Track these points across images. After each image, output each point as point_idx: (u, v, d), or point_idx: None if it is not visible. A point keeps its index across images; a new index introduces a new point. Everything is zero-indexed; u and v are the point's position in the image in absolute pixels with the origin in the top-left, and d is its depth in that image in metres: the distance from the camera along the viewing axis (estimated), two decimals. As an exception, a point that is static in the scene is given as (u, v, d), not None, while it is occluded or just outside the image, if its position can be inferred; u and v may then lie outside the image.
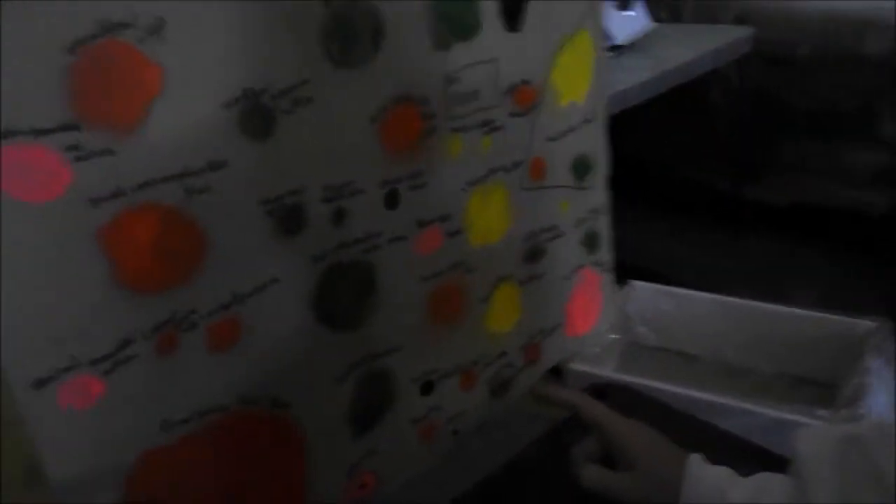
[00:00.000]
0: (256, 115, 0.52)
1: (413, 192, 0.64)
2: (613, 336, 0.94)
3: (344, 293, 0.61)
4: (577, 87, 0.79)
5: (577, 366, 0.85)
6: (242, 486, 0.57)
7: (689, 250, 2.02)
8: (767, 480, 0.54)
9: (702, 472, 0.53)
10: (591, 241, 0.87)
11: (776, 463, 0.62)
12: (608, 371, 0.87)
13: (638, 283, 1.02)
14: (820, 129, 1.97)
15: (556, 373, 0.90)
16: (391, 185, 0.63)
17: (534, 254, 0.79)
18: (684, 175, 2.17)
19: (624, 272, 0.95)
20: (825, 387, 0.91)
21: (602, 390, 0.74)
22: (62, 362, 0.45)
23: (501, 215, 0.74)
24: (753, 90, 2.00)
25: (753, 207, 2.04)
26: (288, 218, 0.55)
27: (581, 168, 0.83)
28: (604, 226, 0.88)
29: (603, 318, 0.91)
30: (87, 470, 0.47)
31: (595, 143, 0.84)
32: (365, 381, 0.64)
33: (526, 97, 0.73)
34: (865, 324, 0.92)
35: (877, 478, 0.46)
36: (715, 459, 0.58)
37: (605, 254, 0.90)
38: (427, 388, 0.71)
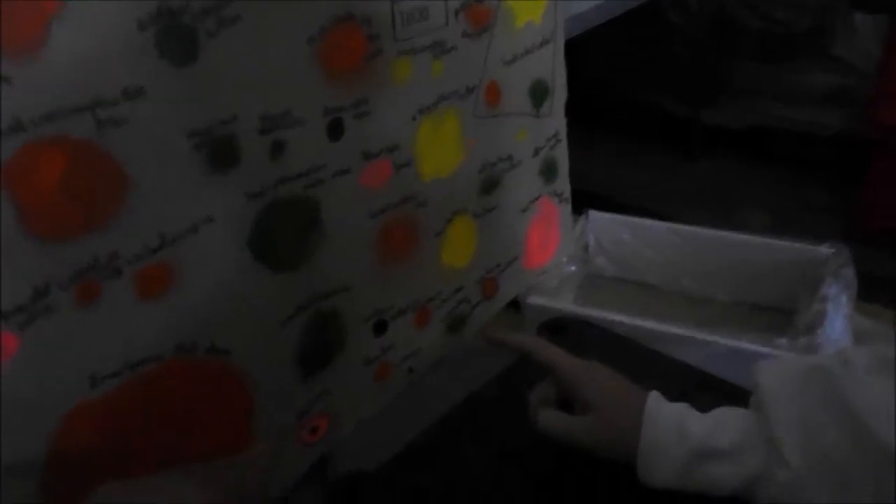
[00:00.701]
0: (176, 37, 0.46)
1: (358, 122, 0.60)
2: (572, 268, 0.92)
3: (285, 231, 0.57)
4: (533, 6, 0.74)
5: (535, 299, 0.83)
6: (184, 438, 0.54)
7: (644, 175, 2.01)
8: (726, 414, 0.53)
9: (660, 410, 0.52)
10: (548, 171, 0.83)
11: (736, 395, 0.61)
12: (566, 304, 0.85)
13: (596, 213, 1.00)
14: (774, 51, 1.95)
15: (514, 306, 0.88)
16: (333, 114, 0.58)
17: (489, 185, 0.76)
18: (640, 99, 2.14)
19: (579, 199, 0.92)
20: (783, 313, 0.91)
21: (560, 325, 0.72)
22: (-32, 316, 0.40)
23: (454, 145, 0.70)
24: (711, 12, 1.96)
25: (709, 131, 2.03)
26: (219, 151, 0.51)
27: (539, 93, 0.78)
28: (562, 154, 0.85)
29: (561, 250, 0.89)
30: (7, 429, 0.43)
31: (553, 67, 0.79)
32: (312, 322, 0.61)
33: (479, 16, 0.68)
34: (823, 250, 0.91)
35: (839, 408, 0.46)
36: (674, 393, 0.57)
37: (563, 183, 0.87)
38: (380, 327, 0.68)
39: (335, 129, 0.58)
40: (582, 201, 0.95)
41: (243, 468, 0.50)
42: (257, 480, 0.49)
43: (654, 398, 0.53)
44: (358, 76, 0.59)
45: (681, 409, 0.53)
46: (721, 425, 0.51)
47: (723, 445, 0.49)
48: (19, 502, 0.44)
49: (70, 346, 0.45)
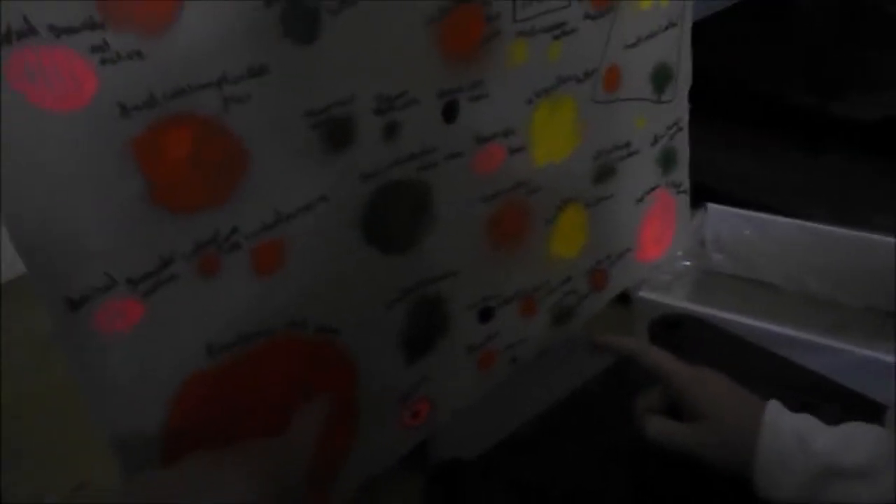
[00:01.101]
0: (301, 15, 0.46)
1: (473, 104, 0.59)
2: (686, 263, 0.88)
3: (396, 214, 0.57)
4: (661, -15, 0.71)
5: (647, 294, 0.80)
6: (292, 410, 0.55)
7: (765, 169, 1.90)
8: (857, 430, 0.48)
9: (781, 421, 0.48)
10: (667, 160, 0.80)
11: (864, 407, 0.57)
12: (679, 300, 0.81)
13: (714, 207, 0.95)
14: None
15: (624, 300, 0.85)
16: (449, 95, 0.57)
17: (604, 173, 0.73)
18: (766, 89, 2.02)
19: (697, 193, 0.87)
20: (920, 323, 0.84)
21: (673, 322, 0.69)
22: (98, 282, 0.42)
23: (570, 131, 0.68)
24: (844, -2, 1.83)
25: (837, 123, 1.90)
26: (336, 131, 0.51)
27: (661, 78, 0.75)
28: (682, 143, 0.81)
29: (676, 244, 0.85)
30: (128, 396, 0.45)
31: (678, 51, 0.76)
32: (418, 306, 0.61)
33: (602, -3, 0.66)
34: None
35: None
36: (796, 403, 0.53)
37: (682, 174, 0.83)
38: (485, 314, 0.67)
39: (450, 112, 0.57)
40: (699, 194, 0.91)
41: (283, 452, 0.47)
42: (297, 466, 0.46)
43: (774, 407, 0.49)
44: (475, 58, 0.58)
45: (804, 421, 0.49)
46: (850, 441, 0.47)
47: (854, 465, 0.45)
48: (144, 456, 0.46)
49: (190, 315, 0.47)
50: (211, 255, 0.47)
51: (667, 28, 0.73)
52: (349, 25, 0.49)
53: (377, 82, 0.52)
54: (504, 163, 0.63)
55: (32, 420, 0.88)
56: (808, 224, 0.90)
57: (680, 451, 0.49)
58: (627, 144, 0.74)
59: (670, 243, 0.84)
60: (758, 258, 0.93)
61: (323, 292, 0.54)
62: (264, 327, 0.51)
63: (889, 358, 0.68)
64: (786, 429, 0.48)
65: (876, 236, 0.88)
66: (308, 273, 0.52)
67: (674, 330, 0.69)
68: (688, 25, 0.76)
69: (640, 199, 0.78)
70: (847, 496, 0.45)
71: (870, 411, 0.50)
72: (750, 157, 1.95)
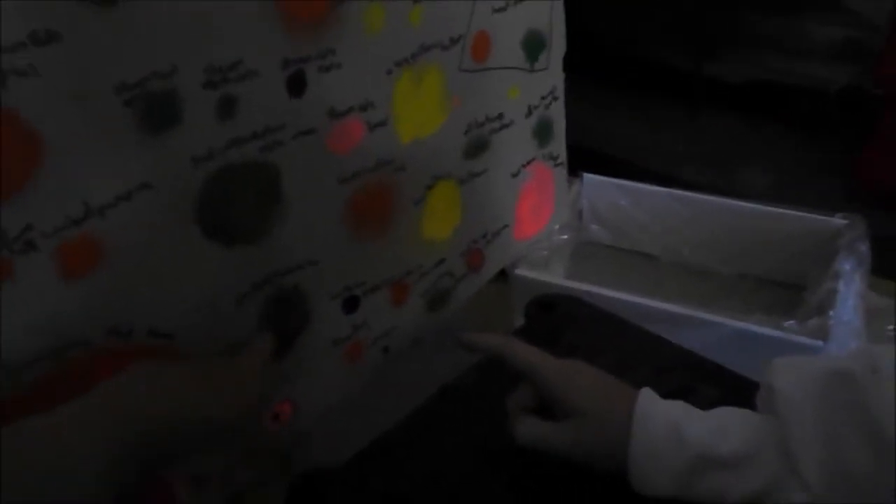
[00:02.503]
0: (97, -31, 0.39)
1: (324, 75, 0.52)
2: (564, 237, 0.85)
3: (238, 201, 0.50)
4: (528, -56, 0.66)
5: (524, 271, 0.77)
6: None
7: (642, 130, 1.93)
8: (731, 416, 0.47)
9: (653, 412, 0.46)
10: (542, 132, 0.76)
11: (740, 387, 0.55)
12: (557, 277, 0.79)
13: (591, 177, 0.93)
14: (782, 1, 1.86)
15: (503, 276, 0.82)
16: (295, 65, 0.50)
17: (476, 147, 0.69)
18: (639, 51, 2.05)
19: (571, 155, 0.84)
20: (792, 288, 0.85)
21: (549, 302, 0.66)
22: None
23: (437, 102, 0.63)
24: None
25: (711, 85, 1.95)
26: (155, 108, 0.43)
27: (533, 46, 0.71)
28: (558, 113, 0.78)
29: (555, 218, 0.82)
30: None
31: (550, 16, 0.72)
32: (272, 301, 0.55)
33: (467, -44, 0.61)
34: (835, 220, 0.85)
35: (866, 422, 0.40)
36: (671, 384, 0.51)
37: (559, 145, 0.80)
38: (351, 303, 0.62)
39: (296, 84, 0.51)
40: (575, 158, 0.87)
41: (241, 371, 0.46)
42: (254, 387, 0.46)
43: (646, 397, 0.47)
44: (323, 23, 0.51)
45: (677, 410, 0.47)
46: (725, 429, 0.45)
47: (727, 454, 0.43)
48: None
49: (-23, 333, 0.39)
50: (1, 258, 0.39)
51: (537, -9, 0.68)
52: (162, -17, 0.41)
53: (205, 51, 0.45)
54: (363, 139, 0.57)
55: None
56: (683, 193, 0.90)
57: (554, 452, 0.46)
58: (500, 116, 0.70)
59: (548, 218, 0.81)
60: (634, 228, 0.92)
61: (150, 293, 0.47)
62: (78, 338, 0.44)
63: (762, 330, 0.68)
64: (658, 419, 0.45)
65: (748, 204, 0.88)
66: (130, 272, 0.45)
67: (550, 311, 0.66)
68: (560, -11, 0.72)
69: (516, 174, 0.75)
70: (724, 487, 0.44)
71: (746, 391, 0.48)
72: (625, 119, 1.98)
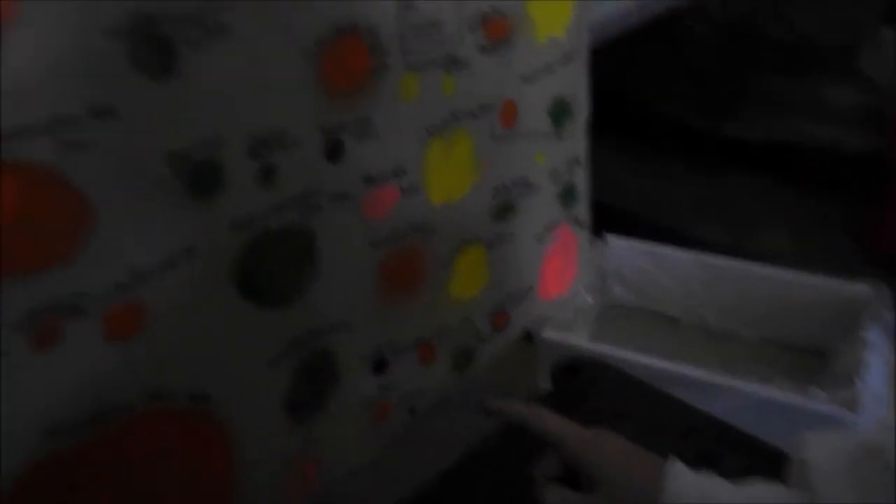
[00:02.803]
0: (153, 48, 0.41)
1: (360, 143, 0.54)
2: (588, 299, 0.86)
3: (275, 265, 0.51)
4: (557, 18, 0.69)
5: (549, 333, 0.78)
6: (160, 491, 0.48)
7: (659, 188, 1.94)
8: (763, 491, 0.46)
9: (682, 483, 0.46)
10: (567, 196, 0.78)
11: (767, 456, 0.55)
12: (582, 340, 0.79)
13: (615, 240, 0.94)
14: (799, 65, 1.89)
15: (528, 339, 0.82)
16: (333, 134, 0.52)
17: (504, 211, 0.70)
18: (659, 110, 2.08)
19: (596, 212, 0.85)
20: (815, 354, 0.85)
21: (574, 367, 0.66)
22: None
23: (467, 168, 0.65)
24: (734, 22, 1.91)
25: (729, 145, 1.97)
26: (200, 176, 0.45)
27: (559, 113, 0.73)
28: (581, 178, 0.79)
29: (578, 280, 0.83)
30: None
31: (575, 85, 0.74)
32: (304, 363, 0.56)
33: (498, 30, 0.63)
34: (859, 287, 0.85)
35: None
36: (696, 451, 0.51)
37: (582, 209, 0.81)
38: (380, 365, 0.63)
39: (334, 151, 0.53)
40: (595, 214, 0.88)
41: None
42: None
43: (674, 469, 0.47)
44: (361, 93, 0.53)
45: (708, 482, 0.47)
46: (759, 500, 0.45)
47: None
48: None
49: (24, 396, 0.40)
50: (50, 323, 0.40)
51: (564, 62, 0.70)
52: (212, 58, 0.43)
53: (249, 121, 0.47)
54: (396, 204, 0.59)
55: None
56: (706, 257, 0.90)
57: None
58: (527, 181, 0.71)
59: (572, 280, 0.82)
60: (657, 291, 0.92)
61: (191, 357, 0.48)
62: (122, 401, 0.45)
63: (789, 399, 0.68)
64: (687, 491, 0.45)
65: (771, 269, 0.89)
66: (173, 336, 0.46)
67: (575, 375, 0.66)
68: (584, 59, 0.74)
69: (542, 236, 0.76)
70: None
71: (774, 460, 0.48)
72: (643, 176, 2.00)
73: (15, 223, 0.37)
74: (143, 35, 0.40)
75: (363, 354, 0.61)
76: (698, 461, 0.48)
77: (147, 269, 0.44)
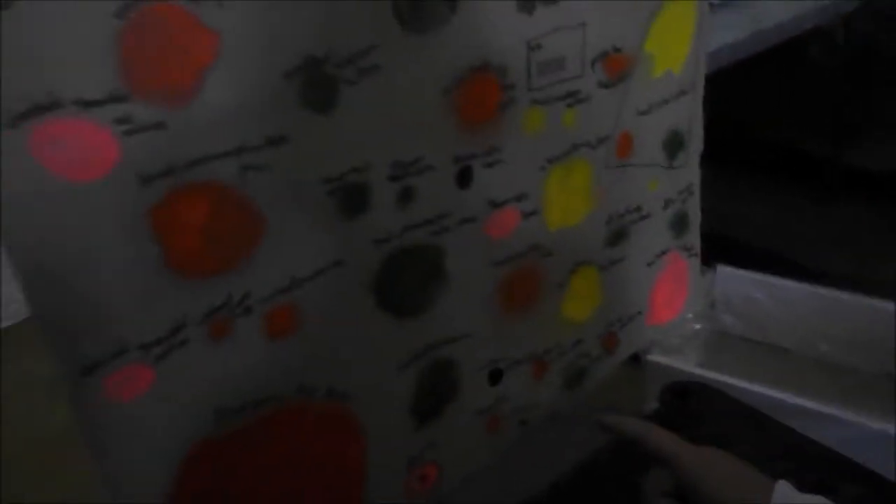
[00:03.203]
0: (319, 86, 0.47)
1: (487, 170, 0.59)
2: (697, 326, 0.87)
3: (409, 278, 0.57)
4: (674, 54, 0.72)
5: (657, 357, 0.80)
6: (299, 478, 0.54)
7: (777, 217, 1.90)
8: None
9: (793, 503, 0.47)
10: (679, 224, 0.80)
11: (882, 487, 0.56)
12: (690, 365, 0.81)
13: (725, 269, 0.95)
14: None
15: (636, 359, 0.85)
16: (464, 161, 0.57)
17: (617, 237, 0.73)
18: (777, 138, 2.04)
19: (705, 240, 0.86)
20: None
21: (684, 390, 0.68)
22: (110, 347, 0.42)
23: (583, 195, 0.68)
24: (859, 48, 1.85)
25: (851, 172, 1.91)
26: (351, 197, 0.51)
27: (673, 144, 0.75)
28: (693, 207, 0.81)
29: (687, 307, 0.85)
30: (134, 462, 0.44)
31: (690, 117, 0.76)
32: (429, 370, 0.61)
33: (617, 66, 0.67)
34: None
35: None
36: (809, 481, 0.52)
37: (694, 237, 0.83)
38: (495, 376, 0.67)
39: (464, 177, 0.58)
40: (709, 243, 0.90)
41: None
42: None
43: (783, 489, 0.48)
44: (490, 125, 0.58)
45: (815, 501, 0.48)
46: None
47: None
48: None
49: (200, 380, 0.47)
50: (223, 319, 0.47)
51: (679, 95, 0.73)
52: (366, 95, 0.49)
53: (392, 149, 0.53)
54: (517, 227, 0.63)
55: (31, 465, 0.87)
56: (819, 289, 0.90)
57: None
58: (639, 208, 0.74)
59: (682, 306, 0.84)
60: (768, 321, 0.92)
61: (334, 357, 0.54)
62: (274, 392, 0.51)
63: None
64: None
65: (888, 303, 0.87)
66: (320, 337, 0.52)
67: (684, 398, 0.68)
68: (699, 92, 0.76)
69: (652, 263, 0.78)
70: None
71: (888, 493, 0.49)
72: (761, 205, 1.96)
73: (204, 233, 0.44)
74: (312, 75, 0.47)
75: (481, 365, 0.65)
76: (811, 490, 0.49)
77: (303, 276, 0.50)
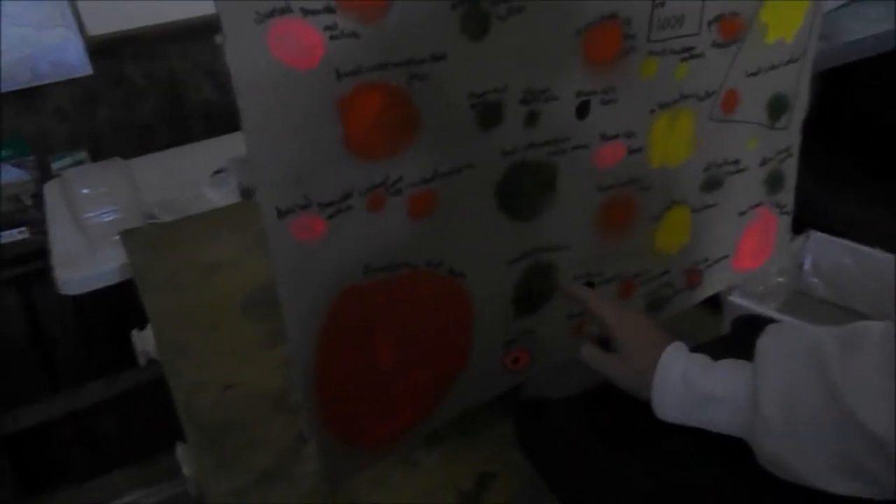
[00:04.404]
0: (476, 17, 0.59)
1: (603, 106, 0.70)
2: (781, 280, 0.95)
3: (526, 188, 0.68)
4: (787, 24, 0.79)
5: (737, 299, 0.88)
6: (416, 334, 0.67)
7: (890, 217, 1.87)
8: (732, 366, 0.59)
9: (675, 360, 0.60)
10: (773, 182, 0.87)
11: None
12: (768, 311, 0.88)
13: (818, 234, 1.01)
14: None
15: (715, 307, 0.93)
16: (584, 96, 0.68)
17: (712, 184, 0.82)
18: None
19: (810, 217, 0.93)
20: None
21: (758, 323, 0.76)
22: (299, 200, 0.56)
23: (685, 141, 0.78)
24: None
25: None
26: (488, 112, 0.63)
27: (777, 107, 0.83)
28: (790, 168, 0.88)
29: (773, 260, 0.92)
30: (304, 289, 0.59)
31: (796, 84, 0.83)
32: (532, 269, 0.73)
33: (732, 29, 0.75)
34: None
35: (820, 373, 0.50)
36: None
37: (787, 196, 0.90)
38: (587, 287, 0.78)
39: (583, 110, 0.69)
40: (808, 218, 0.96)
41: None
42: None
43: (673, 348, 0.62)
44: (610, 67, 0.69)
45: (692, 359, 0.61)
46: (723, 376, 0.58)
47: (718, 394, 0.57)
48: (301, 348, 0.60)
49: (356, 239, 0.60)
50: (379, 195, 0.60)
51: (788, 62, 0.81)
52: (512, 29, 0.61)
53: (527, 78, 0.64)
54: (623, 160, 0.74)
55: (194, 328, 1.05)
56: (908, 262, 0.95)
57: (601, 373, 0.66)
58: (737, 161, 0.83)
59: (767, 258, 0.92)
60: (854, 288, 0.98)
61: (458, 242, 0.66)
62: (409, 260, 0.64)
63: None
64: (674, 366, 0.60)
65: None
66: (449, 224, 0.65)
67: (755, 331, 0.76)
68: (809, 62, 0.83)
69: (743, 213, 0.86)
70: (716, 419, 0.58)
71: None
72: (885, 204, 1.92)
73: (375, 123, 0.58)
74: (471, 8, 0.58)
75: (577, 276, 0.76)
76: None
77: (443, 171, 0.63)
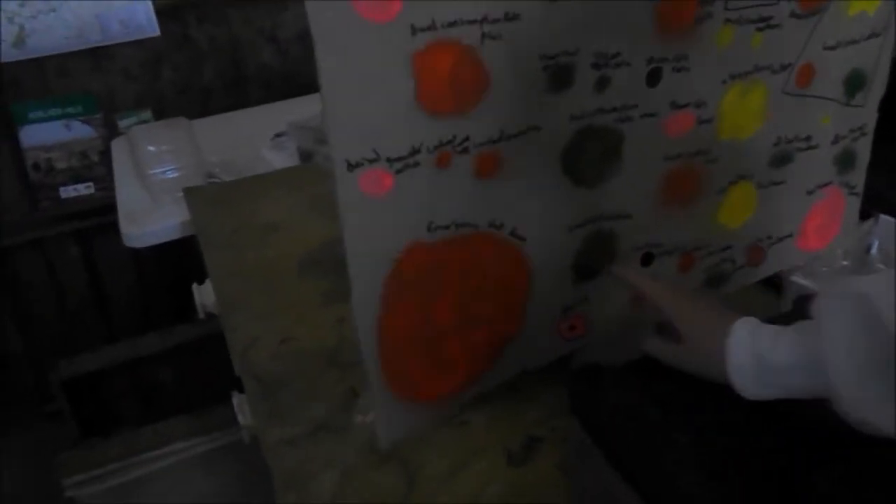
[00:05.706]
0: (552, -21, 0.59)
1: (675, 74, 0.69)
2: (845, 262, 0.92)
3: (591, 153, 0.68)
4: (870, -4, 0.76)
5: (799, 279, 0.86)
6: (475, 294, 0.68)
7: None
8: (800, 332, 0.56)
9: (741, 340, 0.58)
10: (845, 161, 0.85)
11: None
12: (830, 291, 0.86)
13: (888, 219, 0.98)
14: None
15: (777, 288, 0.91)
16: (656, 63, 0.67)
17: (780, 159, 0.80)
18: None
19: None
20: None
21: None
22: (368, 154, 0.57)
23: (756, 114, 0.76)
24: None
25: None
26: (559, 75, 0.63)
27: (854, 83, 0.81)
28: (863, 148, 0.86)
29: (838, 241, 0.90)
30: (370, 242, 0.60)
31: (876, 60, 0.81)
32: (593, 237, 0.72)
33: (811, 0, 0.73)
34: None
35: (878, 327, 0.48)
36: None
37: (858, 177, 0.88)
38: (647, 259, 0.78)
39: (654, 77, 0.68)
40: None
41: None
42: None
43: (742, 325, 0.59)
44: (684, 34, 0.67)
45: (758, 334, 0.58)
46: (791, 343, 0.55)
47: (792, 363, 0.55)
48: (369, 293, 0.61)
49: (422, 195, 0.61)
50: (446, 153, 0.61)
51: (869, 37, 0.78)
52: (584, -7, 0.60)
53: (599, 42, 0.64)
54: (691, 130, 0.73)
55: (252, 285, 1.08)
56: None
57: (672, 366, 0.63)
58: (808, 138, 0.81)
59: (832, 240, 0.90)
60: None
61: (521, 205, 0.66)
62: (472, 220, 0.65)
63: None
64: (744, 345, 0.57)
65: None
66: (513, 186, 0.65)
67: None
68: (891, 38, 0.80)
69: (811, 192, 0.85)
70: (793, 386, 0.55)
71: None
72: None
73: (447, 80, 0.58)
74: (548, -32, 0.58)
75: (637, 246, 0.76)
76: None
77: (510, 133, 0.63)
